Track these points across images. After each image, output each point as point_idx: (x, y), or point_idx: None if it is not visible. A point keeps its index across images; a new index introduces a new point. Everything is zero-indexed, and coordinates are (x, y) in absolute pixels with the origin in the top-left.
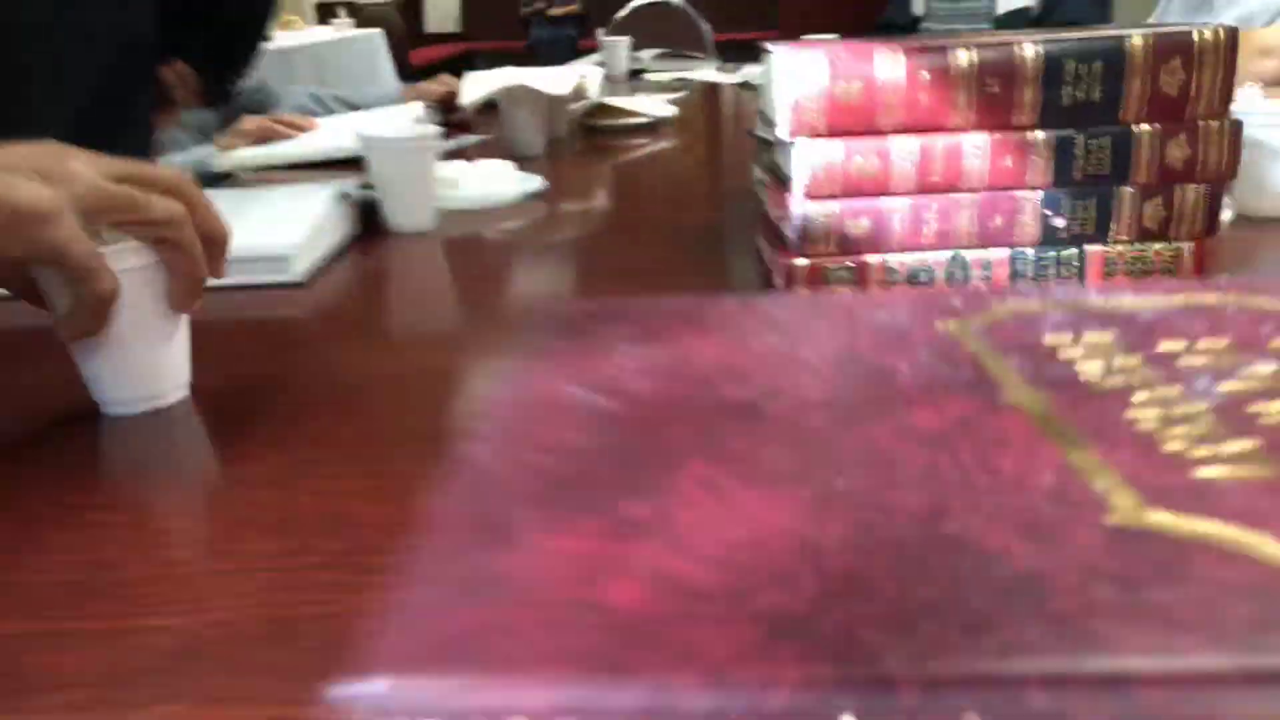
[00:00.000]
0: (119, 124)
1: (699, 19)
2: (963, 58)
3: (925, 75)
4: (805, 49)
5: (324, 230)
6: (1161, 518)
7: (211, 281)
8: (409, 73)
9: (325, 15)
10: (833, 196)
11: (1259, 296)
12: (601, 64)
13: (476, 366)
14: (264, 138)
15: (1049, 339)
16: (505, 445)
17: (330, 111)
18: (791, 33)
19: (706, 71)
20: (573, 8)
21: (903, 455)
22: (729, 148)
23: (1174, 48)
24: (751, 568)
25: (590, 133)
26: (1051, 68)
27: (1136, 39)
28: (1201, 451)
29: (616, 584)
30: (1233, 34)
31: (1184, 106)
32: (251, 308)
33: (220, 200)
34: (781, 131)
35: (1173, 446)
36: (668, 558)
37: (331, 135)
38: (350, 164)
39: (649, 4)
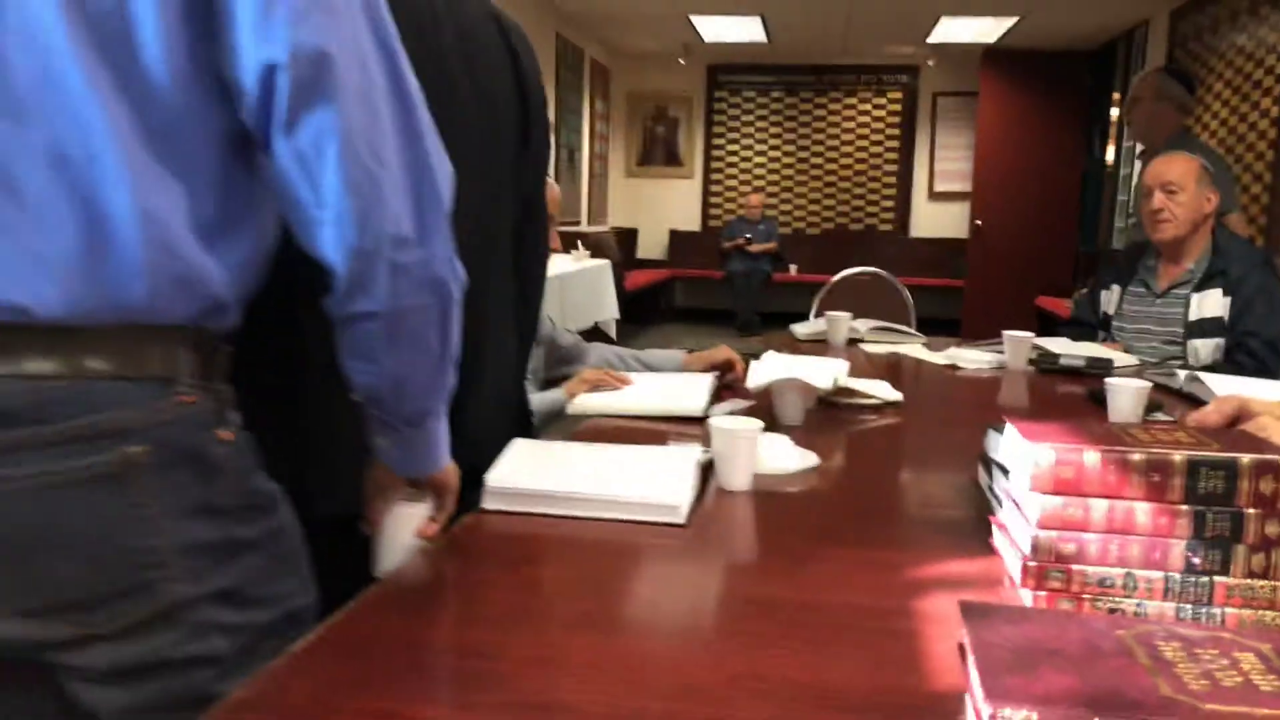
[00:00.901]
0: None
1: (901, 288)
2: (1137, 457)
3: (1112, 465)
4: (1036, 442)
5: (693, 486)
6: None
7: (629, 515)
8: (623, 295)
9: (561, 242)
10: (1052, 528)
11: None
12: (822, 333)
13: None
14: (597, 385)
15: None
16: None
17: (629, 368)
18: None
19: (916, 348)
20: (770, 246)
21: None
22: (946, 428)
23: (1268, 466)
24: None
25: (832, 406)
26: (1193, 469)
27: (1245, 460)
28: None
29: None
30: None
31: (1276, 501)
32: (652, 534)
33: (604, 453)
34: (1019, 487)
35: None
36: None
37: (658, 394)
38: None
39: (860, 273)
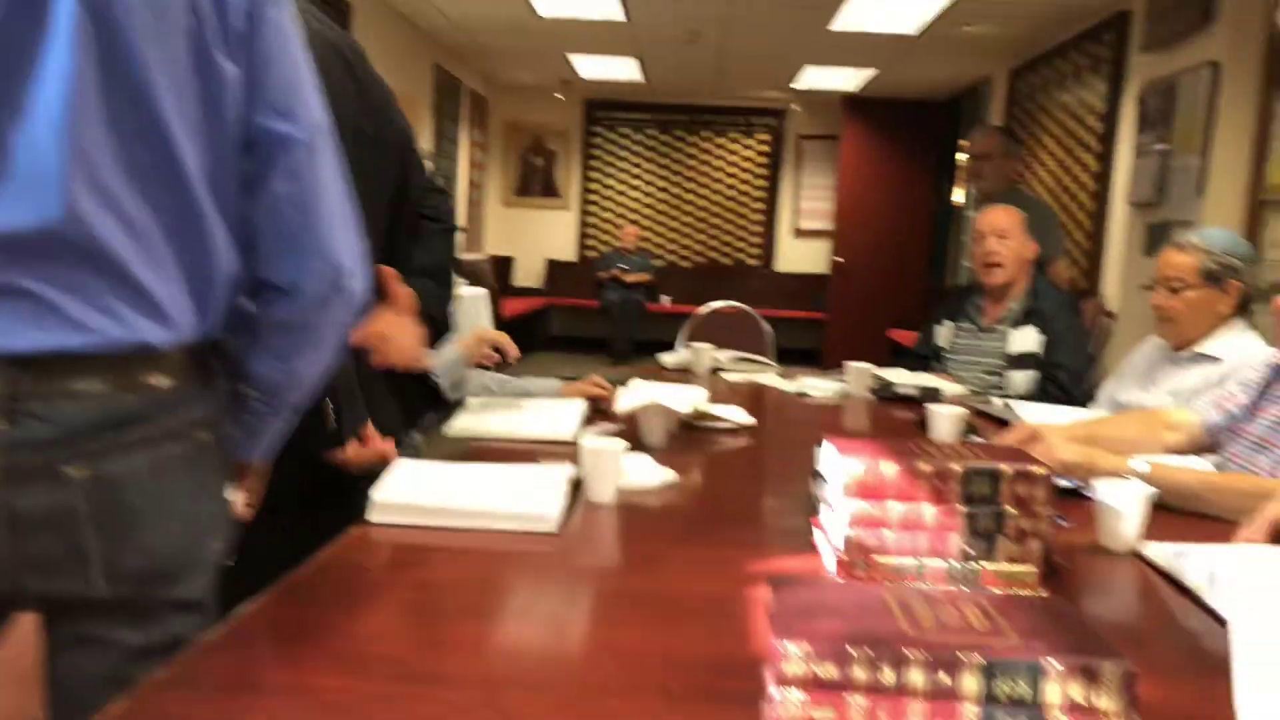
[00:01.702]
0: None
1: (761, 321)
2: (925, 467)
3: (906, 473)
4: (847, 456)
5: (564, 500)
6: None
7: (507, 526)
8: (499, 322)
9: None
10: (860, 526)
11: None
12: (688, 362)
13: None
14: (496, 345)
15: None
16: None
17: (507, 393)
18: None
19: (771, 377)
20: (644, 277)
21: None
22: (791, 448)
23: (1024, 474)
24: None
25: (692, 429)
26: (967, 476)
27: (1007, 469)
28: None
29: None
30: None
31: (1030, 503)
32: (527, 543)
33: (482, 471)
34: (835, 493)
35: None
36: None
37: (533, 421)
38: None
39: (725, 306)
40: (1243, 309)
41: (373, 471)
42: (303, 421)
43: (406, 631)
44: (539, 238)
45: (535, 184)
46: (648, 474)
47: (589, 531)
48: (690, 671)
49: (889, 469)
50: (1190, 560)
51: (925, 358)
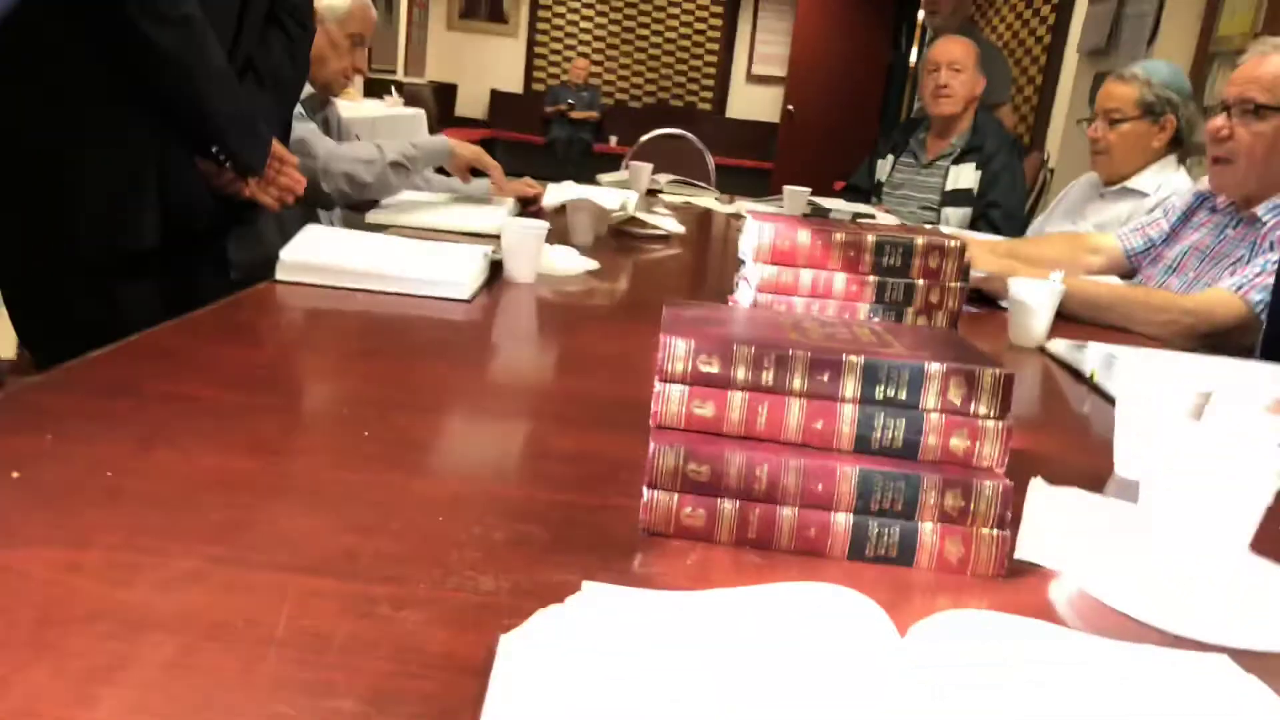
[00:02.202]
0: None
1: (706, 153)
2: (839, 236)
3: (819, 241)
4: (765, 221)
5: (479, 272)
6: None
7: (416, 290)
8: None
9: (372, 89)
10: (768, 292)
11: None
12: (626, 181)
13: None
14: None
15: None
16: None
17: (430, 183)
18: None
19: (709, 200)
20: (593, 114)
21: None
22: (720, 258)
23: (936, 247)
24: None
25: (621, 235)
26: (879, 246)
27: (919, 240)
28: None
29: None
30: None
31: (939, 274)
32: (437, 309)
33: (396, 241)
34: (748, 256)
35: None
36: None
37: (460, 215)
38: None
39: (665, 134)
40: (1175, 145)
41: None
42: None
43: (298, 364)
44: (484, 66)
45: (481, 7)
46: (569, 260)
47: (504, 304)
48: (588, 406)
49: (803, 236)
50: (1089, 351)
51: (866, 191)
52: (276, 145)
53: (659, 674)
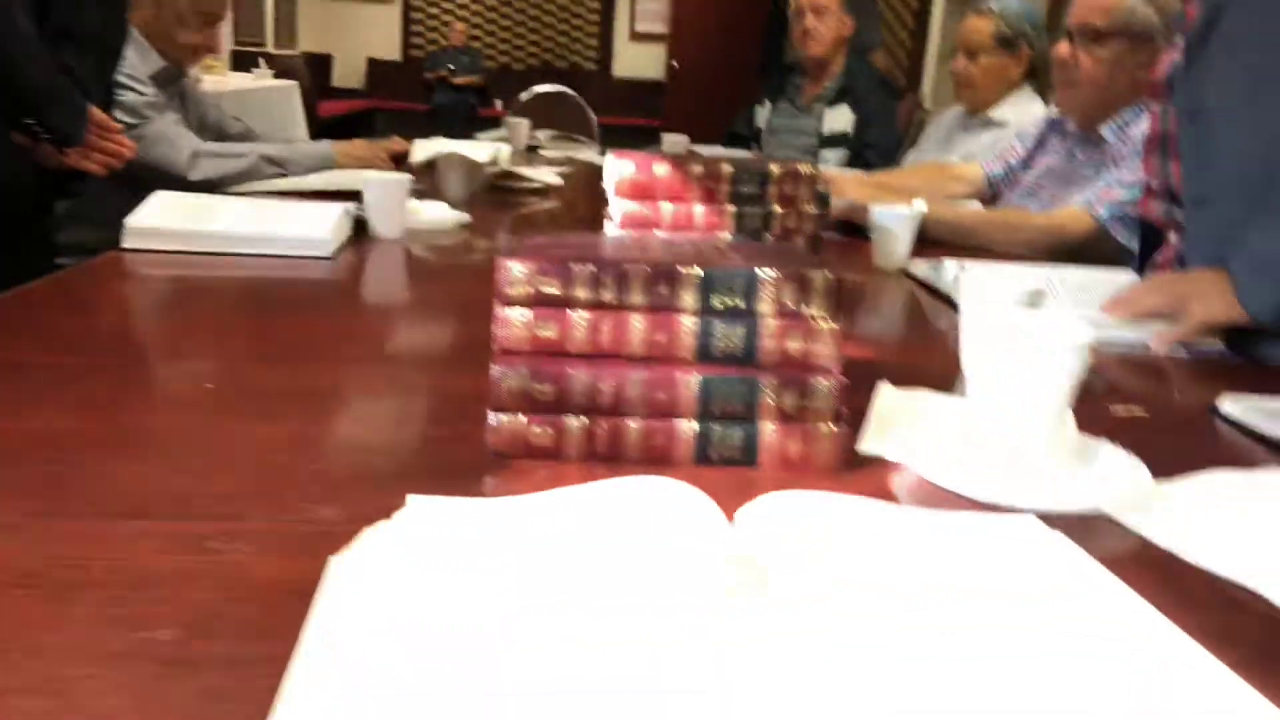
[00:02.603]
0: None
1: (587, 109)
2: (696, 169)
3: (677, 174)
4: (624, 158)
5: (341, 228)
6: None
7: (275, 250)
8: (316, 123)
9: (241, 62)
10: (631, 227)
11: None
12: (505, 138)
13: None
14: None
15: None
16: None
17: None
18: (673, 119)
19: (590, 154)
20: (475, 79)
21: None
22: (597, 209)
23: (792, 172)
24: None
25: (497, 190)
26: (737, 176)
27: (775, 168)
28: None
29: None
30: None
31: (795, 200)
32: (298, 268)
33: (263, 206)
34: (609, 190)
35: None
36: None
37: (335, 178)
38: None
39: (547, 92)
40: (1032, 75)
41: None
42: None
43: (143, 327)
44: (359, 34)
45: None
46: (438, 213)
47: (368, 259)
48: (447, 348)
49: (660, 169)
50: (945, 268)
51: (746, 138)
52: (96, 112)
53: (482, 578)
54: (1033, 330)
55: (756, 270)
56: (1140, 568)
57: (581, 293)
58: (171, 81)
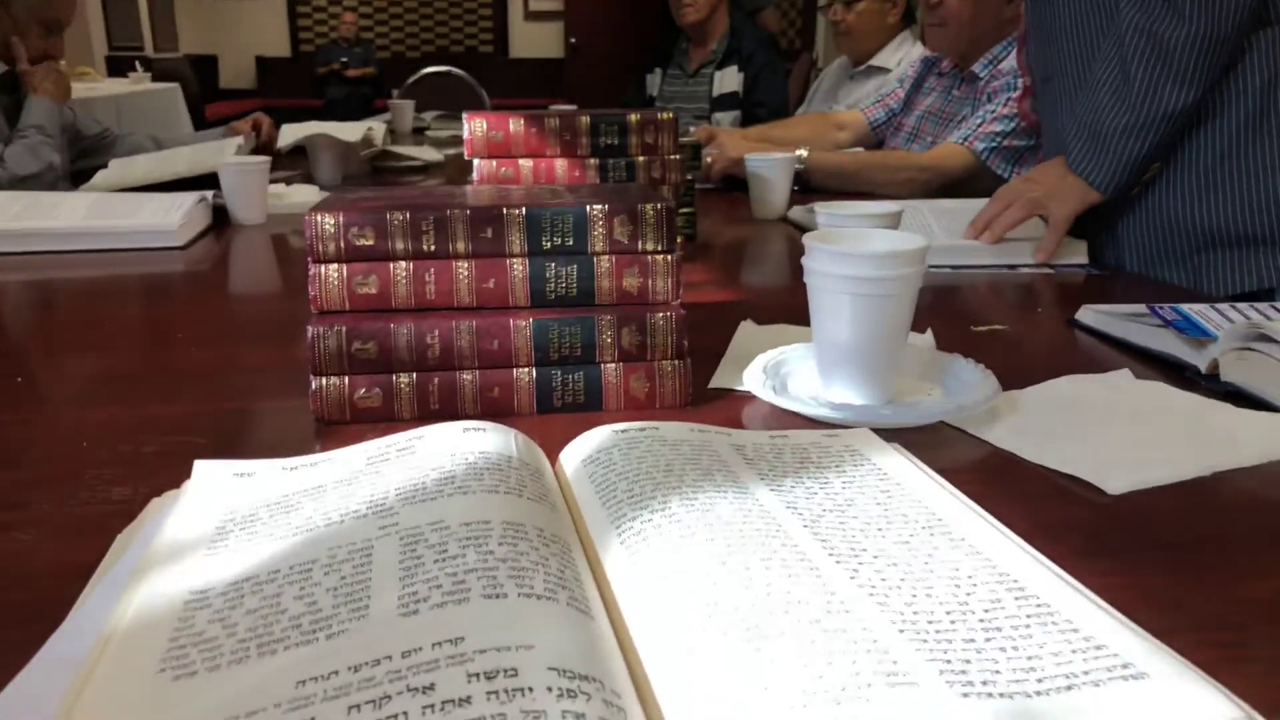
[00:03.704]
0: None
1: (477, 86)
2: (552, 122)
3: (533, 129)
4: (479, 117)
5: (194, 217)
6: None
7: (120, 244)
8: (204, 126)
9: (117, 67)
10: (489, 183)
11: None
12: (389, 121)
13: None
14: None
15: None
16: None
17: (164, 147)
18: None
19: None
20: (368, 71)
21: None
22: None
23: (650, 120)
24: None
25: (378, 172)
26: (594, 126)
27: (633, 117)
28: None
29: None
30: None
31: (657, 149)
32: (148, 260)
33: (112, 199)
34: (466, 151)
35: None
36: None
37: (179, 159)
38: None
39: (435, 73)
40: (909, 18)
41: None
42: None
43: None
44: (244, 32)
45: None
46: (306, 196)
47: (225, 246)
48: (288, 325)
49: (516, 125)
50: (820, 213)
51: (639, 107)
52: None
53: (267, 541)
54: (867, 241)
55: (585, 206)
56: (980, 471)
57: (400, 244)
58: (9, 90)
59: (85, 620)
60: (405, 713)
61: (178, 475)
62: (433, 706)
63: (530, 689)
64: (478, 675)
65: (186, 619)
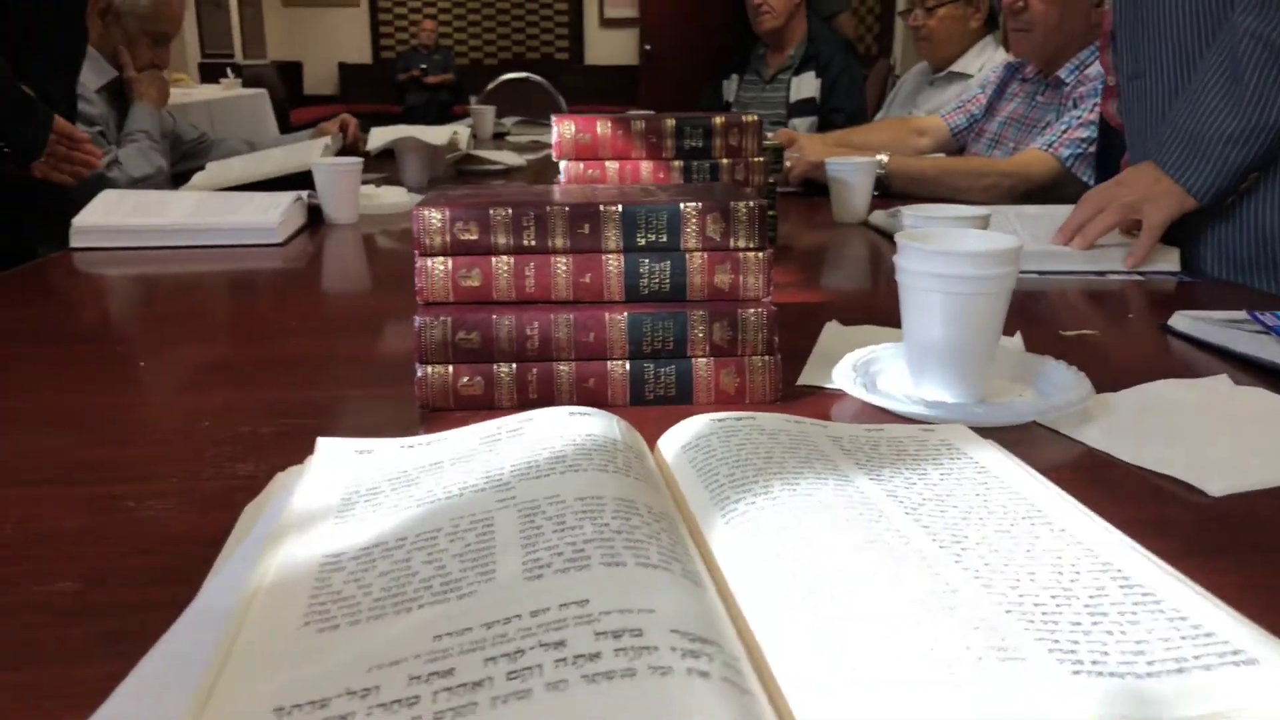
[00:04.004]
0: None
1: (555, 93)
2: (638, 125)
3: (620, 131)
4: (567, 120)
5: (292, 215)
6: None
7: (223, 240)
8: (290, 130)
9: (209, 74)
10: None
11: None
12: (471, 126)
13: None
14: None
15: None
16: None
17: (256, 150)
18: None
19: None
20: (447, 78)
21: None
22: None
23: (735, 123)
24: None
25: (462, 175)
26: (679, 129)
27: (717, 119)
28: None
29: None
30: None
31: (740, 151)
32: (249, 256)
33: (212, 198)
34: (554, 153)
35: None
36: None
37: (266, 162)
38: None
39: (513, 79)
40: (992, 23)
41: None
42: None
43: (80, 316)
44: (328, 39)
45: None
46: (396, 198)
47: (320, 244)
48: (390, 319)
49: (603, 127)
50: (902, 216)
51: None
52: (63, 122)
53: (391, 512)
54: (961, 240)
55: (679, 204)
56: (1075, 470)
57: (502, 238)
58: (119, 94)
59: (229, 579)
60: (540, 665)
61: (294, 454)
62: (565, 660)
63: (655, 648)
64: (605, 634)
65: (323, 580)
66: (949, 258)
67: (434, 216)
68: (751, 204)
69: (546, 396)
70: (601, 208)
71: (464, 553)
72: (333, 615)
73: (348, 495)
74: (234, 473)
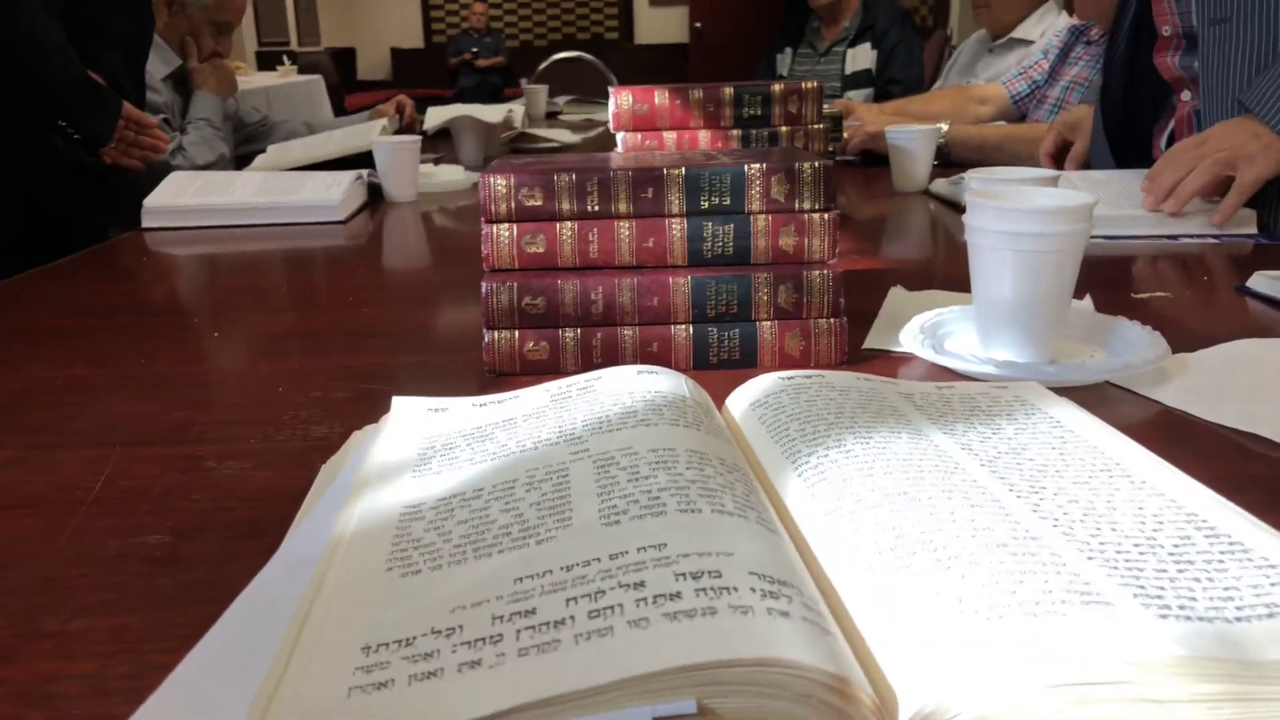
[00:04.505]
0: None
1: (607, 71)
2: (696, 94)
3: (678, 101)
4: (623, 91)
5: (353, 194)
6: None
7: (288, 218)
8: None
9: (266, 61)
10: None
11: None
12: (524, 105)
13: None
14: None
15: None
16: None
17: (315, 132)
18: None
19: (608, 114)
20: (499, 60)
21: None
22: None
23: (794, 90)
24: None
25: (516, 153)
26: (738, 98)
27: (776, 87)
28: None
29: None
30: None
31: (800, 119)
32: (312, 234)
33: (275, 178)
34: (612, 125)
35: None
36: None
37: (331, 141)
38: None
39: (565, 59)
40: None
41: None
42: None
43: (158, 291)
44: (380, 25)
45: None
46: (454, 176)
47: (381, 221)
48: (451, 290)
49: (660, 98)
50: (965, 182)
51: None
52: (131, 108)
53: (467, 465)
54: (1033, 198)
55: (743, 165)
56: (1152, 429)
57: (566, 204)
58: (184, 82)
59: (313, 528)
60: (620, 604)
61: (367, 417)
62: (645, 600)
63: (735, 588)
64: (684, 575)
65: (404, 528)
66: (1021, 215)
67: (499, 183)
68: (816, 164)
69: (611, 361)
70: (665, 171)
71: (540, 501)
72: (414, 561)
73: (424, 450)
74: (309, 434)
